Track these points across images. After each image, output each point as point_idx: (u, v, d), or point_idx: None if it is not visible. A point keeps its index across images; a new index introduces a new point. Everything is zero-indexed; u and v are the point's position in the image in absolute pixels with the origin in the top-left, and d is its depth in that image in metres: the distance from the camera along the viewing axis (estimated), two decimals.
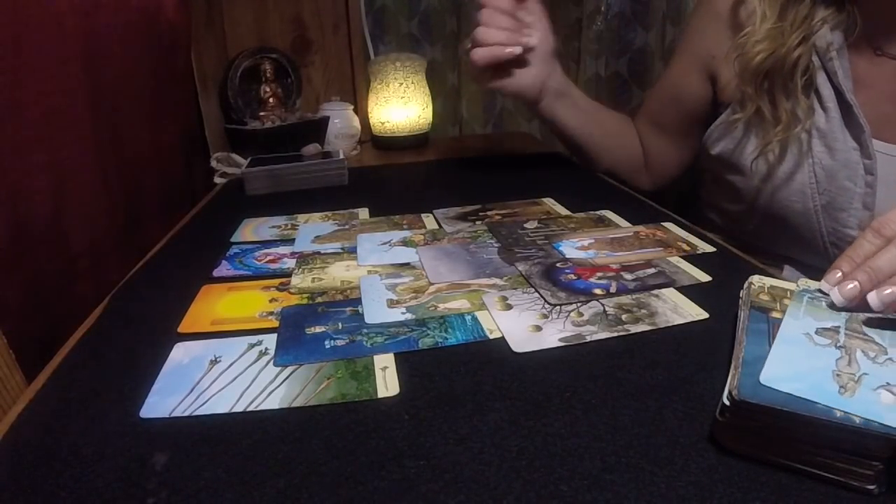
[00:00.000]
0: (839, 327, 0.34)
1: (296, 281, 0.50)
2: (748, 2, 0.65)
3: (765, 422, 0.28)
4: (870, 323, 0.34)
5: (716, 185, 0.74)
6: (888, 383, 0.29)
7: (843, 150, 0.59)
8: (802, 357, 0.31)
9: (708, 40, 0.71)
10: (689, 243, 0.55)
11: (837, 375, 0.29)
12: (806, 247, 0.64)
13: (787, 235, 0.64)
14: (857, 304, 0.35)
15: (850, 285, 0.35)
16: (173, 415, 0.34)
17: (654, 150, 0.84)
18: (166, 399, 0.35)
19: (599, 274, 0.49)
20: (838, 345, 0.32)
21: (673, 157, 0.83)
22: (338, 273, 0.51)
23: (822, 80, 0.60)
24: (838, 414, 0.27)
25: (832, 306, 0.36)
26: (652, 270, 0.49)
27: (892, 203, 0.57)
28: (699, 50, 0.73)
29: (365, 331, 0.42)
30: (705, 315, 0.42)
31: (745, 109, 0.63)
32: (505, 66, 0.71)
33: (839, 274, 0.37)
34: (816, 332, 0.33)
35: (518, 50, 0.68)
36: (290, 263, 0.54)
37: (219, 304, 0.47)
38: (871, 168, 0.58)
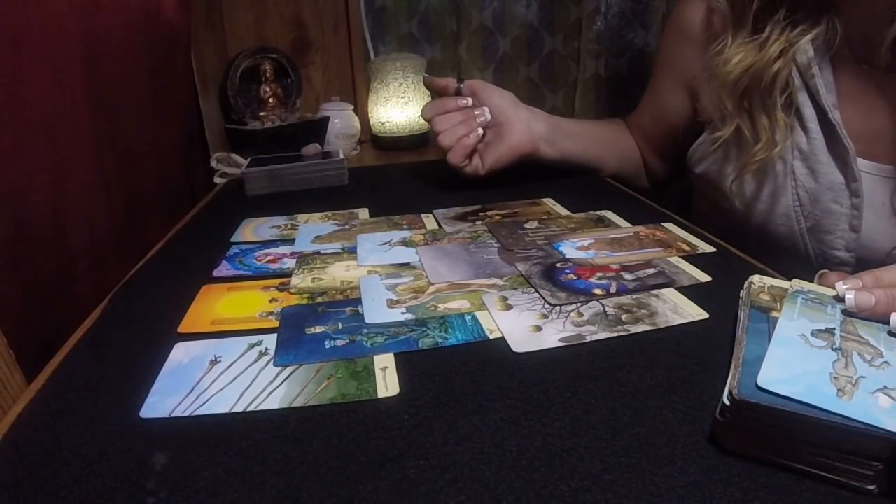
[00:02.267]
0: (834, 329, 0.34)
1: (296, 281, 0.50)
2: (717, 13, 0.62)
3: (765, 422, 0.28)
4: (864, 325, 0.34)
5: (704, 199, 0.73)
6: (885, 387, 0.29)
7: (826, 172, 0.57)
8: (799, 359, 0.31)
9: (685, 60, 0.70)
10: (688, 243, 0.55)
11: (835, 378, 0.29)
12: (799, 266, 0.61)
13: (777, 255, 0.62)
14: (861, 314, 0.35)
15: (867, 296, 0.35)
16: (173, 415, 0.34)
17: (649, 159, 0.84)
18: (166, 399, 0.35)
19: (599, 274, 0.49)
20: (834, 347, 0.32)
21: (668, 165, 0.83)
22: (338, 273, 0.51)
23: (803, 99, 0.58)
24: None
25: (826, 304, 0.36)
26: (652, 270, 0.49)
27: (878, 224, 0.56)
28: (678, 70, 0.72)
29: (365, 331, 0.42)
30: (705, 315, 0.42)
31: (725, 127, 0.61)
32: (485, 147, 0.72)
33: (860, 283, 0.37)
34: (812, 334, 0.33)
35: (479, 131, 0.70)
36: (290, 263, 0.54)
37: (219, 304, 0.47)
38: (857, 190, 0.56)
